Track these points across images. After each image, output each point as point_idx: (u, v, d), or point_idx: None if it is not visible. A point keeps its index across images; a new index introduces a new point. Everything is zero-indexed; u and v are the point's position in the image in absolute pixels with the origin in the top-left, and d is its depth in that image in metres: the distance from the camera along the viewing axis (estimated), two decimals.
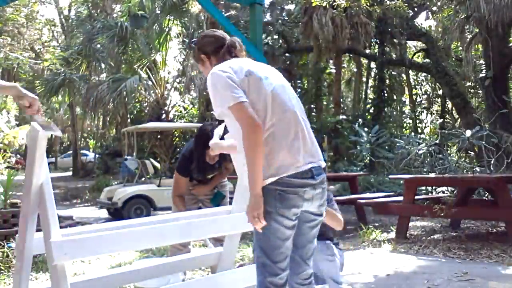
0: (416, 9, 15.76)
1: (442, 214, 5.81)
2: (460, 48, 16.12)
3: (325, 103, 21.06)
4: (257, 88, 2.13)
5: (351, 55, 19.96)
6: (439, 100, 21.27)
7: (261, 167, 2.02)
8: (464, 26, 10.69)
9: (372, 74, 20.84)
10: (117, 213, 9.52)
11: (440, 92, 19.85)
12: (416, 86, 22.42)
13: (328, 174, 9.91)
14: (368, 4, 10.16)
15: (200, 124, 4.05)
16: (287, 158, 2.07)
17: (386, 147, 13.09)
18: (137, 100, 18.11)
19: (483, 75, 10.94)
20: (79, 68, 16.52)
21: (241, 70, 2.16)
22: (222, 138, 2.74)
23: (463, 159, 10.36)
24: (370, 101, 19.81)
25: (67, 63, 16.44)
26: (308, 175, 2.09)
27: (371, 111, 17.77)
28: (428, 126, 18.78)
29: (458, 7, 10.62)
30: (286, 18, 19.27)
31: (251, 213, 2.02)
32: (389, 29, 15.98)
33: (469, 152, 10.27)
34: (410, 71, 20.30)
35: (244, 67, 2.19)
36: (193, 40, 2.54)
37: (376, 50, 17.65)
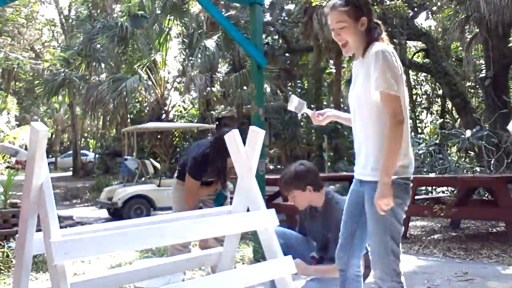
0: (416, 9, 15.75)
1: (442, 214, 5.81)
2: (460, 48, 16.14)
3: (325, 103, 21.08)
4: (403, 85, 2.25)
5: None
6: (439, 100, 21.28)
7: (396, 159, 2.16)
8: (464, 26, 10.70)
9: None
10: (117, 213, 9.52)
11: (440, 92, 19.85)
12: (416, 86, 22.43)
13: (328, 174, 9.92)
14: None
15: (216, 134, 4.00)
16: (412, 155, 2.30)
17: None
18: (137, 100, 18.12)
19: (483, 75, 10.95)
20: (79, 68, 16.53)
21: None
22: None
23: (463, 159, 10.37)
24: None
25: (67, 63, 16.45)
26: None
27: None
28: (428, 126, 18.79)
29: (458, 7, 10.63)
30: (286, 18, 19.30)
31: (381, 201, 2.17)
32: (389, 29, 15.97)
33: (469, 152, 10.27)
34: (410, 71, 20.30)
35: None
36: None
37: None
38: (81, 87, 16.41)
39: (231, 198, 2.92)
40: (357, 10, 2.27)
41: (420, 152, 9.16)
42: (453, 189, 8.03)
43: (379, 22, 2.36)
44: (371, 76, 2.20)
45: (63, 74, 16.04)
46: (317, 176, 3.05)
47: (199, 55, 14.48)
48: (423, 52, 17.28)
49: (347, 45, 2.36)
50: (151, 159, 13.15)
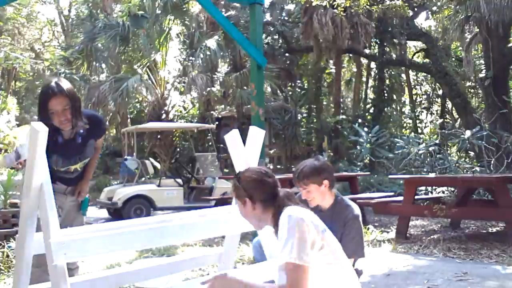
0: (416, 9, 15.77)
1: (442, 214, 5.81)
2: (460, 48, 16.13)
3: (325, 103, 21.07)
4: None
5: (351, 55, 19.97)
6: (439, 100, 21.28)
7: None
8: (464, 26, 10.71)
9: (372, 74, 20.85)
10: (117, 213, 9.52)
11: (440, 92, 19.85)
12: (416, 86, 22.42)
13: None
14: (368, 4, 10.16)
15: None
16: None
17: (386, 147, 13.09)
18: (137, 100, 18.11)
19: (483, 75, 10.96)
20: (79, 68, 16.52)
21: None
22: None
23: (463, 159, 10.37)
24: (370, 101, 19.83)
25: (68, 62, 16.43)
26: None
27: (371, 111, 17.79)
28: (428, 126, 18.78)
29: (458, 7, 10.63)
30: (286, 18, 19.29)
31: None
32: (389, 29, 15.99)
33: (469, 152, 10.28)
34: (410, 71, 20.31)
35: None
36: (238, 173, 2.26)
37: (376, 50, 17.66)
38: (82, 87, 16.41)
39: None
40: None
41: (420, 152, 9.17)
42: (453, 189, 8.03)
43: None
44: None
45: (63, 74, 16.03)
46: (333, 173, 3.00)
47: (200, 55, 14.49)
48: (423, 52, 17.30)
49: None
50: (151, 159, 13.15)
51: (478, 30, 10.87)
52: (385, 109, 17.18)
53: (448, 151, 10.98)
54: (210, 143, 15.40)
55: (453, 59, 17.51)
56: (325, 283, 1.99)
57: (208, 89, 15.14)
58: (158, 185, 9.82)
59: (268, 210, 2.09)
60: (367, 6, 10.09)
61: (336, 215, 2.96)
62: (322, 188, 2.90)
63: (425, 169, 9.02)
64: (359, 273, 3.09)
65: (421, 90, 22.69)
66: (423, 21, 19.83)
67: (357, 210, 2.97)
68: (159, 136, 14.85)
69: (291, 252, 1.87)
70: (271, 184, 2.14)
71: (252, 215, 2.11)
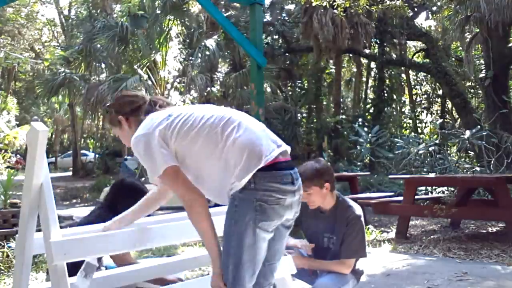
0: (416, 9, 15.78)
1: (442, 214, 5.81)
2: (460, 48, 16.13)
3: (325, 103, 21.07)
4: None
5: (351, 55, 19.97)
6: (439, 100, 21.28)
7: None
8: (464, 26, 10.70)
9: (372, 74, 20.86)
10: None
11: (440, 92, 19.85)
12: (416, 86, 22.42)
13: None
14: (368, 4, 10.16)
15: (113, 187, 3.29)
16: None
17: (386, 147, 13.09)
18: None
19: (483, 75, 10.95)
20: (79, 68, 16.53)
21: None
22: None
23: (463, 159, 10.37)
24: (370, 101, 19.82)
25: (68, 62, 16.43)
26: None
27: (371, 111, 17.78)
28: (428, 126, 18.78)
29: (458, 7, 10.62)
30: (286, 18, 19.28)
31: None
32: (389, 29, 15.98)
33: (469, 152, 10.28)
34: (410, 71, 20.30)
35: None
36: (105, 103, 2.34)
37: (376, 50, 17.66)
38: (81, 87, 16.41)
39: None
40: None
41: (420, 152, 9.17)
42: (453, 189, 8.04)
43: None
44: None
45: (63, 74, 16.04)
46: (333, 175, 3.00)
47: (199, 55, 14.50)
48: (423, 52, 17.29)
49: None
50: None
51: (478, 30, 10.87)
52: (385, 109, 17.18)
53: (448, 151, 10.98)
54: None
55: (453, 59, 17.51)
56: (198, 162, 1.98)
57: (208, 89, 15.14)
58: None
59: (138, 122, 2.10)
60: (367, 6, 10.09)
61: (338, 216, 2.96)
62: (324, 191, 2.90)
63: (425, 169, 9.02)
64: (360, 273, 3.09)
65: (421, 90, 22.70)
66: (423, 21, 19.85)
67: (358, 210, 2.98)
68: None
69: (156, 170, 1.93)
70: (138, 96, 2.23)
71: (131, 135, 2.07)
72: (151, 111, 2.12)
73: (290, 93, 20.53)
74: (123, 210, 2.56)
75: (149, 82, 14.96)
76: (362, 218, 2.97)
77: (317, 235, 3.08)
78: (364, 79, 22.77)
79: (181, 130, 1.96)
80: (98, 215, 3.02)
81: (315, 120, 18.57)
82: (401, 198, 6.75)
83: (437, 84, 18.44)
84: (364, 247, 2.96)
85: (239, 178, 1.88)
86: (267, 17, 18.49)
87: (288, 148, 2.06)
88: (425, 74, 19.71)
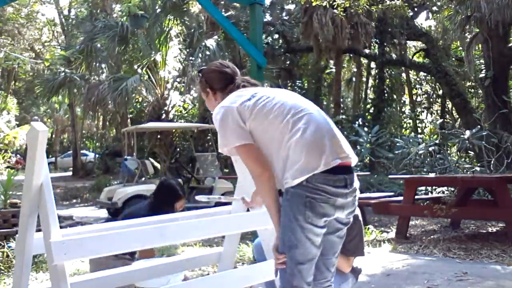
0: (416, 9, 15.76)
1: (442, 214, 5.82)
2: (460, 48, 16.13)
3: (325, 103, 21.07)
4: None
5: (351, 55, 19.97)
6: (439, 100, 21.28)
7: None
8: (465, 26, 10.69)
9: (372, 74, 20.85)
10: (117, 213, 9.50)
11: (440, 92, 19.86)
12: (416, 86, 22.43)
13: None
14: (368, 4, 10.16)
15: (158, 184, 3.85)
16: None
17: (386, 147, 13.09)
18: (137, 100, 18.11)
19: (483, 75, 10.95)
20: (79, 68, 16.53)
21: None
22: None
23: (463, 159, 10.37)
24: (370, 101, 19.82)
25: (68, 61, 16.43)
26: None
27: (371, 111, 17.78)
28: (428, 126, 18.78)
29: (458, 7, 10.61)
30: (286, 18, 19.28)
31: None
32: (389, 29, 15.98)
33: (469, 152, 10.27)
34: (410, 71, 20.30)
35: None
36: (200, 68, 2.45)
37: (376, 50, 17.66)
38: (81, 87, 16.41)
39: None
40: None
41: (420, 152, 9.17)
42: (453, 189, 8.04)
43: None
44: None
45: (63, 74, 16.04)
46: None
47: (199, 55, 14.48)
48: (423, 52, 17.28)
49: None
50: (151, 159, 13.16)
51: (478, 30, 10.86)
52: (385, 109, 17.18)
53: (448, 151, 10.98)
54: (210, 143, 15.39)
55: (453, 59, 17.51)
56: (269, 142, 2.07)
57: None
58: None
59: (224, 97, 2.22)
60: (367, 6, 10.08)
61: None
62: None
63: (425, 169, 9.02)
64: (358, 271, 3.11)
65: (421, 90, 22.70)
66: (423, 21, 19.87)
67: (356, 210, 2.99)
68: (159, 136, 14.84)
69: (226, 142, 2.06)
70: (229, 74, 2.31)
71: (216, 105, 2.20)
72: (235, 90, 2.23)
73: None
74: (161, 205, 3.46)
75: (149, 82, 14.97)
76: (360, 218, 3.00)
77: None
78: (364, 79, 22.77)
79: (260, 112, 2.06)
80: (141, 208, 3.65)
81: None
82: (401, 198, 6.75)
83: (437, 84, 18.44)
84: (362, 247, 2.99)
85: (293, 177, 1.96)
86: (267, 17, 18.49)
87: (354, 158, 2.11)
88: (425, 74, 19.71)
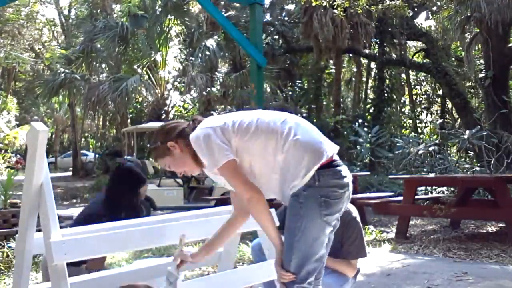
0: (416, 9, 15.75)
1: (442, 214, 5.81)
2: (460, 48, 16.12)
3: (325, 103, 21.07)
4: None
5: (351, 55, 19.97)
6: (439, 100, 21.28)
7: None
8: (465, 26, 10.69)
9: (372, 74, 20.85)
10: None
11: (440, 92, 19.85)
12: (416, 86, 22.43)
13: None
14: (368, 4, 10.16)
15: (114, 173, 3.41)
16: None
17: (386, 147, 13.09)
18: (137, 100, 18.12)
19: (483, 75, 10.94)
20: (79, 68, 16.54)
21: None
22: None
23: (463, 159, 10.37)
24: (370, 101, 19.81)
25: (68, 61, 16.43)
26: None
27: (371, 111, 17.77)
28: (428, 126, 18.78)
29: (458, 7, 10.61)
30: (286, 18, 19.28)
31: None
32: (389, 29, 15.98)
33: (469, 152, 10.27)
34: (410, 71, 20.30)
35: None
36: (152, 144, 2.26)
37: (376, 50, 17.66)
38: (81, 87, 16.42)
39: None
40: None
41: (420, 152, 9.16)
42: (453, 189, 8.03)
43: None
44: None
45: (63, 74, 16.04)
46: None
47: (199, 55, 14.50)
48: (423, 52, 17.28)
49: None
50: (151, 159, 13.14)
51: (478, 30, 10.86)
52: (385, 109, 17.17)
53: (448, 151, 10.97)
54: None
55: (453, 59, 17.51)
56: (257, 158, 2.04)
57: (208, 89, 15.14)
58: (158, 185, 9.81)
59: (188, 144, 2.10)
60: (367, 6, 10.08)
61: None
62: None
63: (425, 169, 9.01)
64: (356, 271, 3.11)
65: (421, 90, 22.70)
66: (423, 21, 19.81)
67: (354, 212, 2.99)
68: None
69: (215, 161, 1.97)
70: (175, 124, 2.21)
71: (185, 156, 2.11)
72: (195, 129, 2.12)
73: (290, 93, 20.52)
74: (124, 195, 3.01)
75: (149, 82, 14.97)
76: (359, 219, 2.99)
77: None
78: (364, 79, 22.77)
79: (240, 127, 2.03)
80: (95, 201, 3.25)
81: (315, 120, 18.53)
82: (401, 198, 6.75)
83: (437, 84, 18.44)
84: (363, 247, 2.99)
85: (302, 176, 1.97)
86: (267, 17, 18.49)
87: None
88: (425, 74, 19.70)
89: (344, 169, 2.09)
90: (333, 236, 2.17)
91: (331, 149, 2.06)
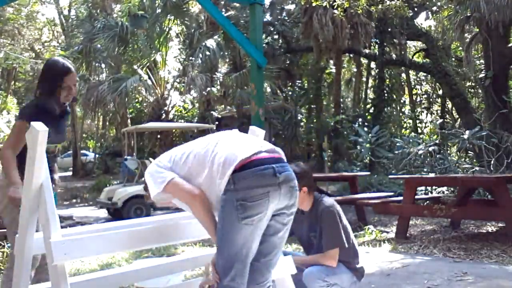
0: (416, 9, 15.76)
1: (442, 214, 5.81)
2: (460, 48, 16.13)
3: (325, 103, 21.08)
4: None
5: (351, 55, 19.97)
6: (439, 100, 21.29)
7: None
8: (464, 26, 10.69)
9: (372, 74, 20.86)
10: (117, 213, 9.51)
11: (440, 92, 19.86)
12: (416, 86, 22.43)
13: (328, 174, 9.93)
14: (368, 4, 10.16)
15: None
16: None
17: (386, 147, 13.09)
18: (137, 100, 18.12)
19: (483, 75, 10.94)
20: (79, 68, 16.52)
21: None
22: None
23: (463, 159, 10.37)
24: (370, 101, 19.82)
25: None
26: None
27: (371, 111, 17.78)
28: (428, 126, 18.79)
29: (458, 7, 10.61)
30: (286, 18, 19.29)
31: None
32: (389, 29, 15.98)
33: (469, 152, 10.27)
34: (410, 71, 20.30)
35: None
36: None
37: (376, 50, 17.67)
38: (81, 87, 16.42)
39: None
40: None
41: (420, 152, 9.17)
42: (453, 189, 8.03)
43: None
44: None
45: None
46: (312, 178, 3.16)
47: (199, 55, 14.50)
48: (423, 52, 17.28)
49: None
50: (151, 159, 13.13)
51: (478, 30, 10.86)
52: (385, 109, 17.18)
53: (448, 151, 10.98)
54: None
55: (453, 59, 17.51)
56: None
57: (208, 89, 15.15)
58: None
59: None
60: (367, 6, 10.08)
61: (314, 213, 3.12)
62: (301, 194, 3.00)
63: (425, 169, 9.02)
64: (360, 271, 3.16)
65: (421, 90, 22.70)
66: (423, 21, 19.87)
67: (329, 202, 3.10)
68: (159, 136, 14.86)
69: (157, 184, 2.23)
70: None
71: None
72: None
73: (290, 93, 20.53)
74: (50, 88, 2.89)
75: (149, 82, 14.97)
76: (333, 209, 3.06)
77: (302, 236, 3.24)
78: (364, 79, 22.77)
79: (180, 160, 2.23)
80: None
81: (315, 120, 18.57)
82: (401, 198, 6.75)
83: (437, 84, 18.45)
84: (337, 237, 3.02)
85: (219, 184, 2.08)
86: (267, 17, 18.50)
87: (279, 151, 2.22)
88: (425, 74, 19.71)
89: (273, 168, 2.06)
90: (286, 234, 2.20)
91: (250, 150, 2.09)
